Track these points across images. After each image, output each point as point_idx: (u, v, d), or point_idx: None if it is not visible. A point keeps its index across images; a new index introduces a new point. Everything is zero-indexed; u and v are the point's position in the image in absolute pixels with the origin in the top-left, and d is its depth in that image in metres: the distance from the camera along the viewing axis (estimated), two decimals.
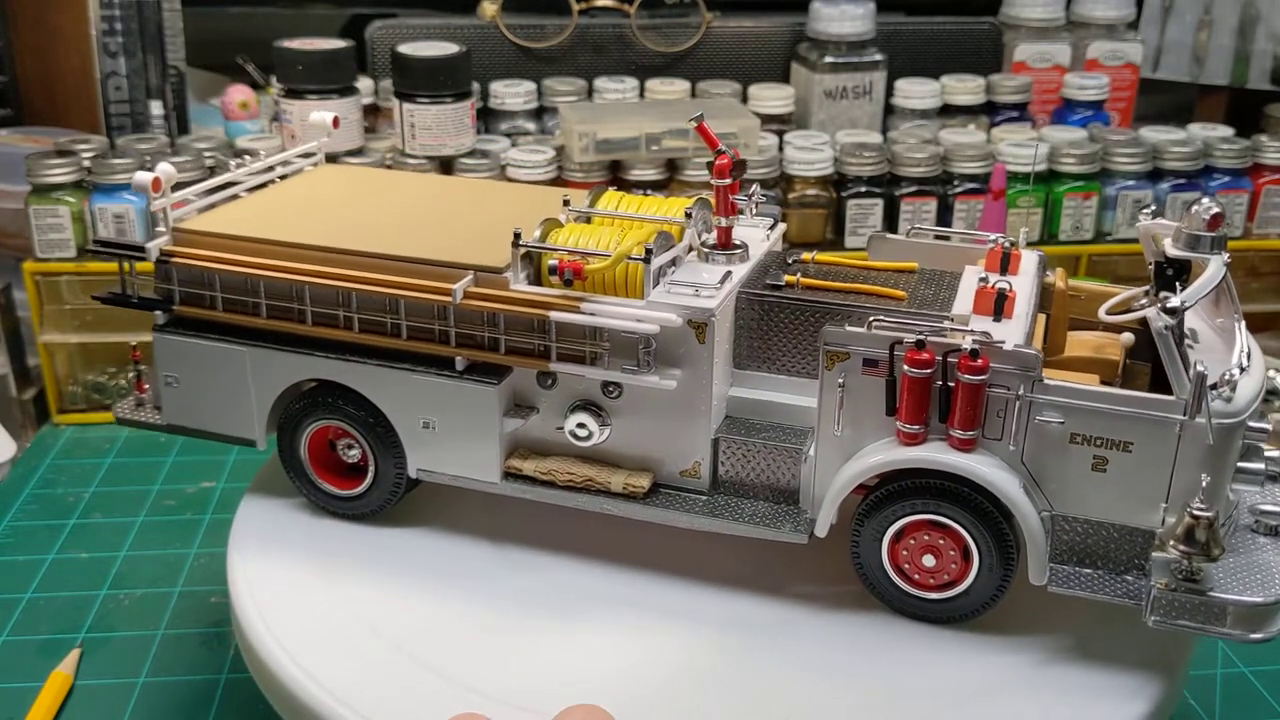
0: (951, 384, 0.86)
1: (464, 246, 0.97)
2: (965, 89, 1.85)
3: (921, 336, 0.86)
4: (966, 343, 0.86)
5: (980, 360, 0.85)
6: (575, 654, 0.91)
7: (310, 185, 1.14)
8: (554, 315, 0.92)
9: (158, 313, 1.04)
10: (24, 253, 1.59)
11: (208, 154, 1.60)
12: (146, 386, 1.09)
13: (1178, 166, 1.69)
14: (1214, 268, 0.88)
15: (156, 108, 1.82)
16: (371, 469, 1.02)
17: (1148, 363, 0.97)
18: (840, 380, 0.90)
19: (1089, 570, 0.90)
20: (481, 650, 0.92)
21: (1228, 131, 1.79)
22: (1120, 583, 0.88)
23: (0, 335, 1.60)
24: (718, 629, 0.94)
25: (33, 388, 1.63)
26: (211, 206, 1.07)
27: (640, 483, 0.96)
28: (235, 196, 1.10)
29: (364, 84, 1.72)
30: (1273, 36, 2.08)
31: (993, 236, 1.03)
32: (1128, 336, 0.98)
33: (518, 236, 0.93)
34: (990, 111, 1.88)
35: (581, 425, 0.96)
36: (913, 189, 1.65)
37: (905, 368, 0.87)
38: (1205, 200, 0.91)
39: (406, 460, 1.01)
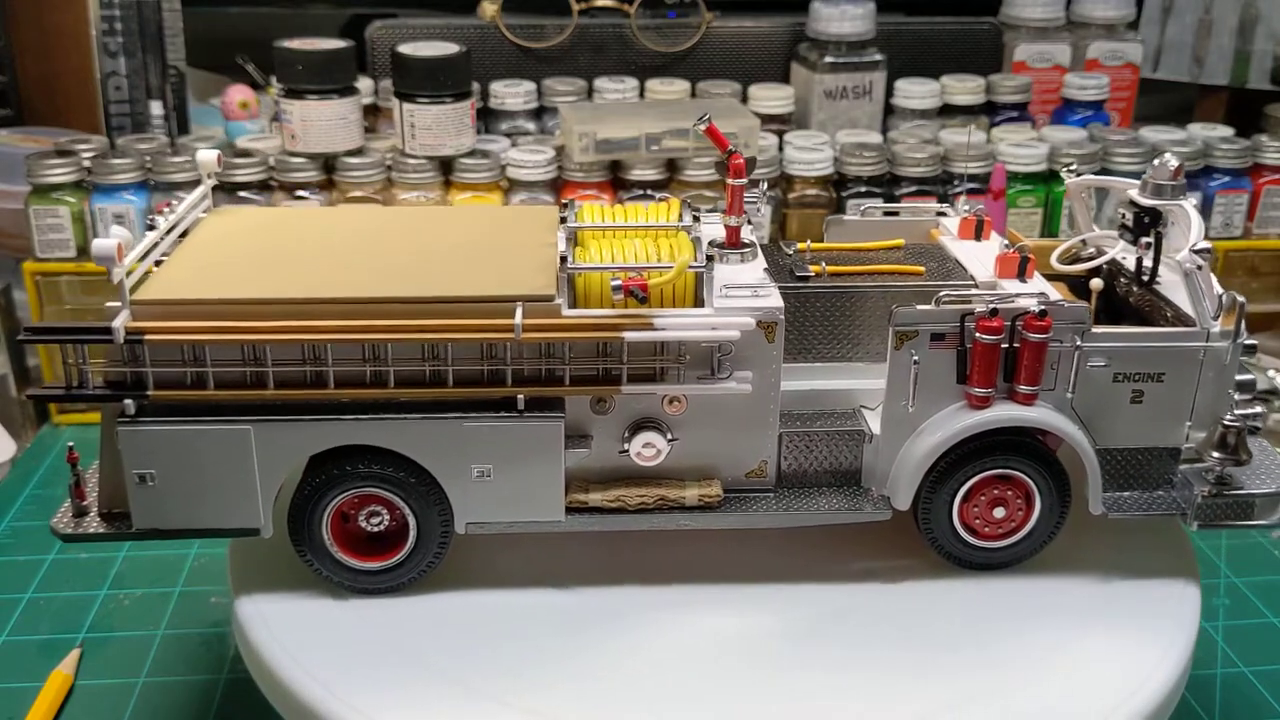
0: (1018, 345, 0.93)
1: (490, 278, 0.93)
2: (965, 89, 1.85)
3: (994, 305, 0.93)
4: (1034, 305, 0.93)
5: (1045, 320, 0.92)
6: (607, 660, 0.91)
7: (226, 234, 1.02)
8: (627, 336, 0.90)
9: (127, 402, 0.90)
10: (24, 253, 1.59)
11: None
12: (88, 492, 0.96)
13: None
14: (1194, 211, 1.00)
15: (156, 108, 1.82)
16: (412, 534, 0.95)
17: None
18: (915, 357, 0.93)
19: (1128, 493, 0.99)
20: (489, 651, 0.91)
21: (1228, 131, 1.79)
22: (1157, 498, 0.99)
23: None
24: (780, 617, 0.96)
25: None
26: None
27: (714, 492, 0.95)
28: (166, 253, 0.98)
29: (364, 84, 1.72)
30: (1273, 36, 2.08)
31: (938, 208, 1.13)
32: (1097, 282, 1.06)
33: (564, 259, 0.90)
34: (990, 111, 1.88)
35: (648, 444, 0.94)
36: (913, 189, 1.65)
37: (978, 335, 0.92)
38: (1167, 155, 1.04)
39: (453, 517, 0.95)
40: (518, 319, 0.88)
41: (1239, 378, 0.98)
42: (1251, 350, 0.98)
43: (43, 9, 1.84)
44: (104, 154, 1.59)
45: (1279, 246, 1.75)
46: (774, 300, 0.93)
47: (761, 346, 0.93)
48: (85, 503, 0.96)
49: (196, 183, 1.05)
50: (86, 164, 1.56)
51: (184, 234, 1.02)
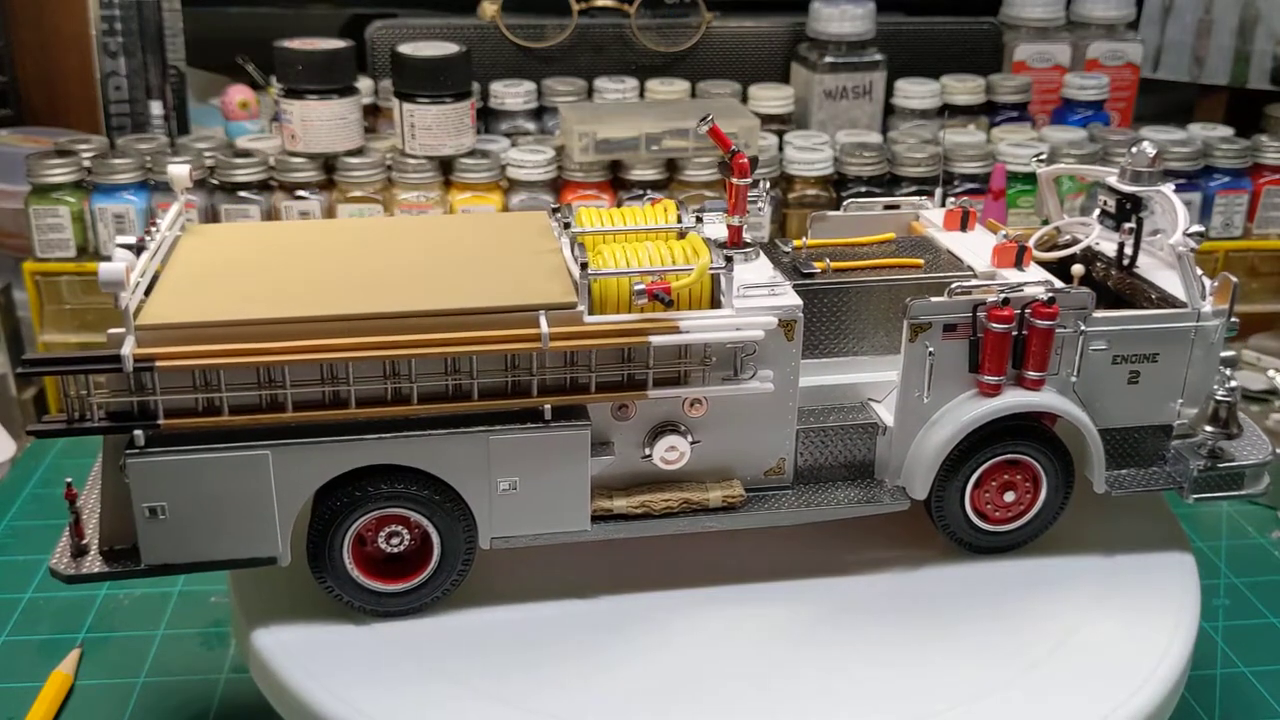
0: (1026, 332, 0.95)
1: (507, 288, 0.91)
2: (965, 89, 1.85)
3: (1005, 295, 0.94)
4: (1042, 293, 0.94)
5: (1053, 307, 0.94)
6: (604, 657, 0.91)
7: (209, 252, 0.98)
8: (654, 340, 0.89)
9: (137, 433, 0.86)
10: (24, 253, 1.59)
11: (208, 154, 1.60)
12: (87, 529, 0.92)
13: (1178, 166, 1.69)
14: (1175, 197, 1.02)
15: (156, 108, 1.82)
16: (436, 553, 0.93)
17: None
18: (930, 349, 0.94)
19: (1126, 471, 1.02)
20: (490, 651, 0.91)
21: (1228, 131, 1.79)
22: (1153, 474, 1.02)
23: (0, 335, 1.60)
24: (795, 613, 0.96)
25: (33, 388, 1.63)
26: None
27: (736, 492, 0.95)
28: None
29: (364, 84, 1.72)
30: (1273, 36, 2.08)
31: (923, 201, 1.14)
32: (1079, 268, 1.07)
33: (584, 266, 0.89)
34: (990, 111, 1.88)
35: (672, 448, 0.94)
36: (913, 189, 1.65)
37: (990, 325, 0.94)
38: (1144, 143, 1.06)
39: (478, 532, 0.93)
40: (544, 328, 0.87)
41: (1222, 354, 1.01)
42: (1234, 328, 1.01)
43: (43, 9, 1.84)
44: (104, 154, 1.60)
45: (1279, 246, 1.75)
46: (791, 298, 0.93)
47: (781, 345, 0.93)
48: (85, 541, 0.92)
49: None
50: (86, 164, 1.56)
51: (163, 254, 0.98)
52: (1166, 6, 2.11)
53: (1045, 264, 1.06)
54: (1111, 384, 0.99)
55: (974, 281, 0.97)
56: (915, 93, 1.84)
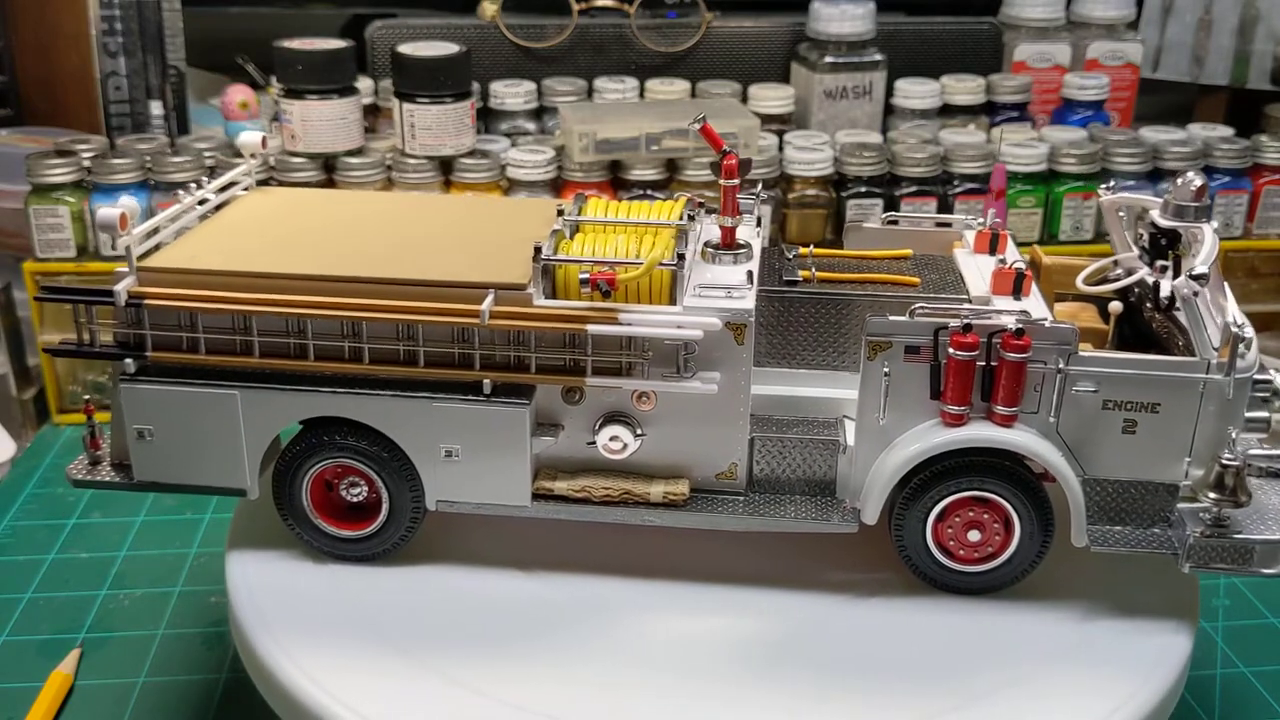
0: (995, 364, 0.90)
1: (472, 265, 0.95)
2: (965, 89, 1.85)
3: (968, 320, 0.89)
4: (1011, 323, 0.89)
5: (1024, 339, 0.89)
6: (595, 656, 0.91)
7: (257, 210, 1.08)
8: (591, 329, 0.91)
9: (128, 361, 0.96)
10: (24, 253, 1.59)
11: (208, 154, 1.60)
12: (102, 443, 1.02)
13: (1178, 166, 1.68)
14: (1210, 234, 0.94)
15: (156, 108, 1.82)
16: (385, 506, 0.98)
17: (1106, 326, 1.04)
18: (886, 369, 0.91)
19: (1119, 528, 0.95)
20: (488, 651, 0.91)
21: (1228, 131, 1.79)
22: (1150, 535, 0.94)
23: (0, 335, 1.60)
24: (753, 624, 0.95)
25: (33, 387, 1.63)
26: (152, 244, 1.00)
27: (680, 490, 0.95)
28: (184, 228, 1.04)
29: (364, 84, 1.72)
30: (1273, 36, 2.08)
31: (968, 220, 1.08)
32: (1116, 305, 1.02)
33: (538, 250, 0.91)
34: (990, 111, 1.88)
35: (615, 438, 0.95)
36: (913, 189, 1.65)
37: (951, 351, 0.89)
38: (1190, 174, 0.97)
39: (424, 493, 0.97)
40: (486, 305, 0.90)
41: (1250, 414, 0.92)
42: (1265, 385, 0.92)
43: (43, 9, 1.84)
44: (104, 154, 1.59)
45: (1279, 246, 1.75)
46: (746, 303, 0.92)
47: (731, 348, 0.93)
48: (99, 452, 1.02)
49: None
50: (86, 164, 1.56)
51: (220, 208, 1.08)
52: (1166, 6, 2.12)
53: (1094, 298, 1.03)
54: (1102, 432, 0.92)
55: (946, 304, 0.93)
56: (915, 93, 1.84)
